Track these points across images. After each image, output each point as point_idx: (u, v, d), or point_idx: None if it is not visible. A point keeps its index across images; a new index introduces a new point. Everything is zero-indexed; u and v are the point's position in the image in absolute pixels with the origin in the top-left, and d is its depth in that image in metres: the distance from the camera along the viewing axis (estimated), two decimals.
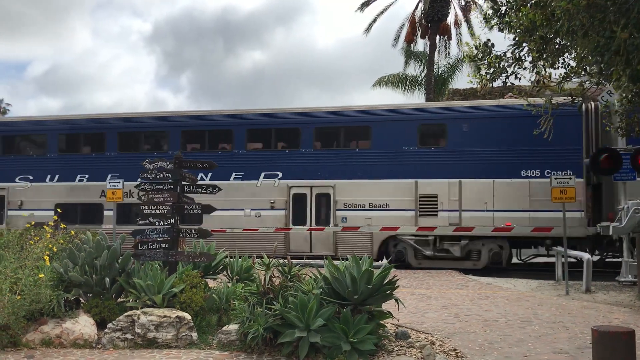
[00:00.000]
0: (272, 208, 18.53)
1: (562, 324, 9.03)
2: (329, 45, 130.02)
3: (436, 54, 32.08)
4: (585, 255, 13.54)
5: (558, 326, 8.88)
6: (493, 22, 9.67)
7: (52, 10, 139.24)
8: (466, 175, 17.42)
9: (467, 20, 31.75)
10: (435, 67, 32.16)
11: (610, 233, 14.10)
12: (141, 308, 7.61)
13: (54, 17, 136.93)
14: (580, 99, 10.46)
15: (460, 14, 32.42)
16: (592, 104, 16.95)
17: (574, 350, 7.31)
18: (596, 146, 16.84)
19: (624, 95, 11.09)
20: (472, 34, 29.40)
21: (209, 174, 18.15)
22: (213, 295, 8.07)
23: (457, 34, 32.78)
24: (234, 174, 18.75)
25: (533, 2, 8.60)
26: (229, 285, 8.42)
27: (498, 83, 10.13)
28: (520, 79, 9.90)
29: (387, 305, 7.52)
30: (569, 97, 10.50)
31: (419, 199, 17.62)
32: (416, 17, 32.33)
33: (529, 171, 16.97)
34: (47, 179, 20.05)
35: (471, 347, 7.48)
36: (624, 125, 12.34)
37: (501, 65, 9.67)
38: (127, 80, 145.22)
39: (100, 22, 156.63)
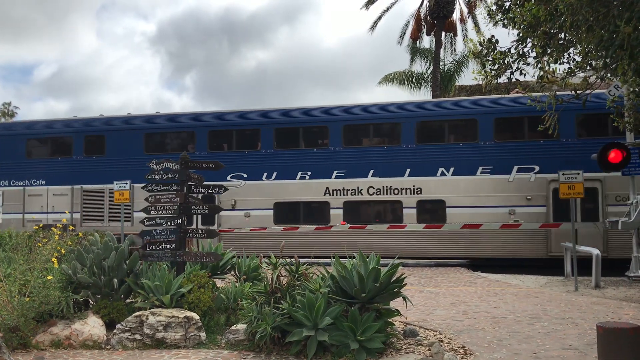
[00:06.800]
0: None
1: (572, 320, 8.99)
2: (333, 43, 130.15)
3: (442, 50, 32.03)
4: (595, 251, 13.46)
5: (567, 322, 8.83)
6: (497, 18, 9.64)
7: (55, 13, 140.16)
8: None
9: (473, 17, 31.64)
10: (441, 63, 32.07)
11: (620, 228, 14.01)
12: (149, 308, 7.64)
13: (57, 19, 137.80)
14: None
15: (465, 10, 32.35)
16: None
17: (584, 346, 7.27)
18: None
19: (631, 89, 11.02)
20: (478, 30, 29.29)
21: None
22: (221, 295, 8.09)
23: (462, 30, 32.74)
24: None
25: None
26: (237, 284, 8.44)
27: (503, 79, 10.09)
28: (525, 74, 9.86)
29: (395, 303, 7.51)
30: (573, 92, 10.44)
31: None
32: (421, 14, 32.29)
33: None
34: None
35: (480, 344, 7.45)
36: (632, 119, 12.26)
37: (506, 61, 9.62)
38: (132, 82, 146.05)
39: (104, 24, 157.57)
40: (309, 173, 18.78)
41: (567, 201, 15.37)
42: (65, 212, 19.52)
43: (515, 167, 17.52)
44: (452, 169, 17.91)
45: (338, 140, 18.85)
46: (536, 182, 17.35)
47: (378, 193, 18.38)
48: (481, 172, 17.74)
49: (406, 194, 18.20)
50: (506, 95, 19.14)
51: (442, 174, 17.96)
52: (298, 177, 18.79)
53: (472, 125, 18.27)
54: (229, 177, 18.93)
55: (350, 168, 18.57)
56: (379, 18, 32.45)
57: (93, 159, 20.58)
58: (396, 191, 18.25)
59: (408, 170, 18.18)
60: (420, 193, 18.09)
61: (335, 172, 18.62)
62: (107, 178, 19.54)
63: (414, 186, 18.13)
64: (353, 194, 18.51)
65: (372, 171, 18.42)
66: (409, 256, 18.10)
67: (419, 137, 18.52)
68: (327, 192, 18.62)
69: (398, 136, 18.67)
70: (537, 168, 17.38)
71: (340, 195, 18.58)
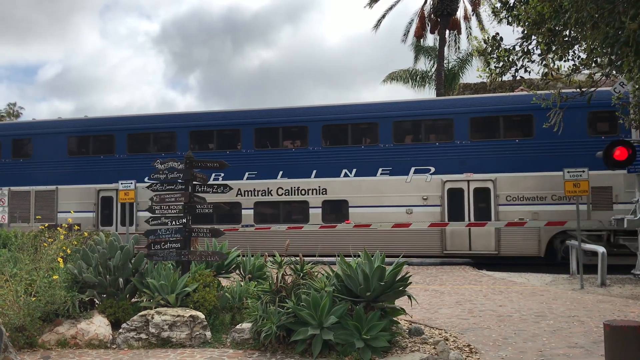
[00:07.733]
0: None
1: (577, 318, 8.97)
2: (337, 42, 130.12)
3: (446, 48, 31.98)
4: (600, 249, 13.41)
5: (573, 320, 8.81)
6: (501, 15, 9.60)
7: (58, 13, 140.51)
8: None
9: (477, 14, 31.57)
10: (445, 61, 32.01)
11: (625, 226, 13.96)
12: (155, 308, 7.65)
13: (60, 20, 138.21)
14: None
15: (469, 7, 32.27)
16: None
17: (590, 344, 7.25)
18: None
19: (636, 86, 10.97)
20: (482, 28, 29.17)
21: None
22: (226, 294, 8.10)
23: (466, 28, 32.68)
24: None
25: None
26: (242, 283, 8.45)
27: (507, 77, 10.06)
28: (529, 72, 9.81)
29: (400, 302, 7.50)
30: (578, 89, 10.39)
31: None
32: (425, 12, 32.20)
33: None
34: None
35: (485, 342, 7.44)
36: (638, 117, 12.20)
37: (510, 59, 9.58)
38: (135, 82, 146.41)
39: (107, 24, 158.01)
40: (222, 175, 19.02)
41: (462, 201, 17.11)
42: None
43: (413, 169, 18.10)
44: (354, 170, 18.55)
45: (250, 142, 19.43)
46: (432, 183, 17.93)
47: (287, 194, 18.92)
48: (381, 173, 18.35)
49: (312, 194, 18.79)
50: (405, 99, 20.29)
51: (346, 175, 18.62)
52: (211, 178, 18.82)
53: (373, 128, 19.00)
54: (146, 179, 19.10)
55: (261, 170, 19.11)
56: (383, 16, 32.46)
57: (20, 161, 21.21)
58: (303, 192, 18.82)
59: (314, 171, 18.80)
60: (326, 193, 18.70)
61: (247, 173, 19.13)
62: (33, 180, 20.46)
63: (319, 187, 18.75)
64: (264, 194, 19.03)
65: (281, 172, 18.97)
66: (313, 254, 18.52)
67: (325, 139, 19.15)
68: (239, 193, 19.05)
69: (305, 139, 19.27)
70: (432, 169, 17.99)
71: (251, 196, 19.09)
